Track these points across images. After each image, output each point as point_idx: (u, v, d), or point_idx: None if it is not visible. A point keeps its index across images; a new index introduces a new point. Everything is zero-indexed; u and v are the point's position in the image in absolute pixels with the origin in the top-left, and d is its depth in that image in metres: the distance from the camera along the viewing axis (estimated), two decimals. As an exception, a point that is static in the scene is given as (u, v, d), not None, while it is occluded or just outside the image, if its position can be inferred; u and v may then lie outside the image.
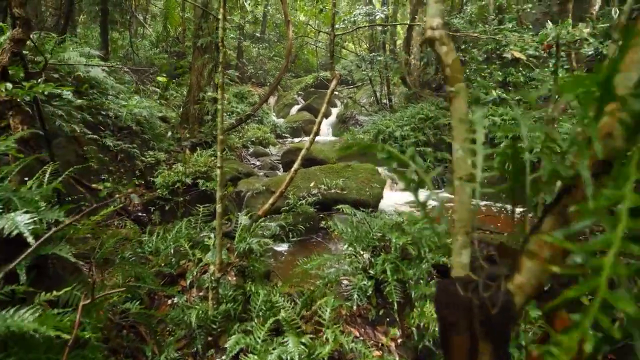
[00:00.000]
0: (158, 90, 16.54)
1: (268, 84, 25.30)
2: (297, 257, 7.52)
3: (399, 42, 24.19)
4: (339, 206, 3.98)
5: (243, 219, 6.03)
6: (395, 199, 10.58)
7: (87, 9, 18.23)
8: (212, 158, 8.95)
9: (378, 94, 18.34)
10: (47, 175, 3.02)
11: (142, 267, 3.81)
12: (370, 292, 3.34)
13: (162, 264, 3.98)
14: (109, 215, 7.43)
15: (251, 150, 14.00)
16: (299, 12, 24.83)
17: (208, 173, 8.17)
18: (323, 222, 8.57)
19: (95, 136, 7.79)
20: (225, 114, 13.89)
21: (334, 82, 6.17)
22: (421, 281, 3.44)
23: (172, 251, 4.16)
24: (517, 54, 4.74)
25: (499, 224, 7.76)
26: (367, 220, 3.67)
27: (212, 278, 3.43)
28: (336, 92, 24.16)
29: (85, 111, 8.09)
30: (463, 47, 15.46)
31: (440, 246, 3.58)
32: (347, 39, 22.76)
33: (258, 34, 28.52)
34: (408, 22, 20.77)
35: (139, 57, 17.13)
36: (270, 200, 5.85)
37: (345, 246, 3.69)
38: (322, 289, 3.59)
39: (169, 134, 10.00)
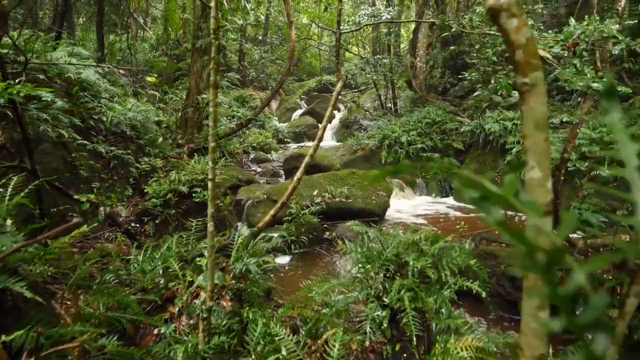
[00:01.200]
0: (157, 94, 16.15)
1: (270, 87, 24.88)
2: (300, 271, 7.07)
3: (403, 45, 23.79)
4: (348, 224, 3.50)
5: (241, 233, 5.59)
6: (402, 207, 10.12)
7: (83, 9, 17.83)
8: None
9: (382, 98, 17.89)
10: (9, 189, 2.56)
11: (126, 291, 3.35)
12: (385, 325, 2.89)
13: (149, 287, 3.53)
14: (98, 227, 7.03)
15: (252, 156, 13.55)
16: (302, 13, 24.43)
17: (206, 181, 7.71)
18: (327, 233, 8.13)
19: (85, 142, 7.35)
20: (225, 118, 13.45)
21: (339, 84, 5.73)
22: (443, 311, 2.98)
23: (160, 272, 3.70)
24: (542, 52, 4.29)
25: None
26: (380, 238, 3.22)
27: (203, 307, 2.97)
28: (339, 96, 23.68)
29: (76, 115, 7.66)
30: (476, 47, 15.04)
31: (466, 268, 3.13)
32: (350, 41, 22.34)
33: (260, 37, 28.16)
34: (414, 22, 20.36)
35: (137, 59, 16.71)
36: (271, 212, 5.40)
37: (355, 269, 3.23)
38: (328, 318, 3.13)
39: (160, 139, 9.55)
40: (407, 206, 10.30)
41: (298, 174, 5.52)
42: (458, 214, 9.74)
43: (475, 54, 15.00)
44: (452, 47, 16.72)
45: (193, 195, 7.56)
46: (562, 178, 5.69)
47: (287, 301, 5.27)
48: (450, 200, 11.16)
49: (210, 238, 2.94)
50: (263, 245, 4.85)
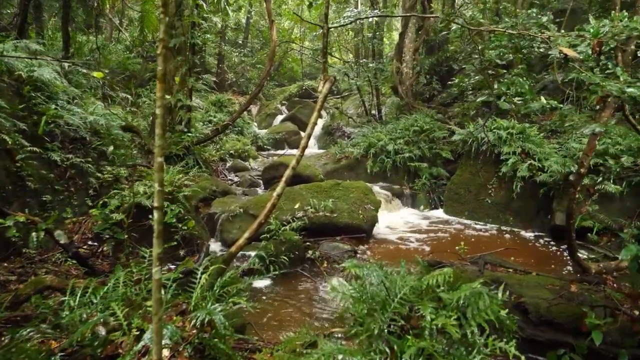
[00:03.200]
0: (129, 97, 15.19)
1: (250, 92, 24.04)
2: (279, 297, 6.25)
3: (387, 51, 23.20)
4: (346, 264, 2.69)
5: (212, 255, 4.77)
6: (391, 222, 9.39)
7: (49, 6, 16.79)
8: (181, 175, 7.66)
9: (367, 105, 17.22)
10: None
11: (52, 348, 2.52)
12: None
13: (85, 342, 2.70)
14: (45, 249, 6.12)
15: (229, 164, 12.70)
16: (284, 16, 23.68)
17: (174, 194, 6.86)
18: (310, 252, 7.35)
19: (36, 149, 6.44)
20: (201, 123, 12.58)
21: (326, 86, 4.98)
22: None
23: (102, 319, 2.88)
24: (568, 51, 3.61)
25: (522, 260, 6.59)
26: (386, 283, 2.46)
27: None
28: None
29: (27, 119, 6.76)
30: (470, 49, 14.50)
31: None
32: (333, 46, 21.66)
33: (240, 41, 27.30)
34: (399, 28, 19.79)
35: (108, 61, 15.70)
36: (245, 235, 4.60)
37: (353, 330, 2.45)
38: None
39: (127, 146, 8.67)
40: (396, 220, 9.58)
41: (278, 189, 4.73)
42: (451, 228, 9.06)
43: (466, 58, 14.46)
44: (439, 53, 16.19)
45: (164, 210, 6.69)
46: (577, 196, 5.02)
47: (265, 341, 4.47)
48: (440, 213, 10.48)
49: (157, 289, 2.13)
50: (236, 270, 4.05)
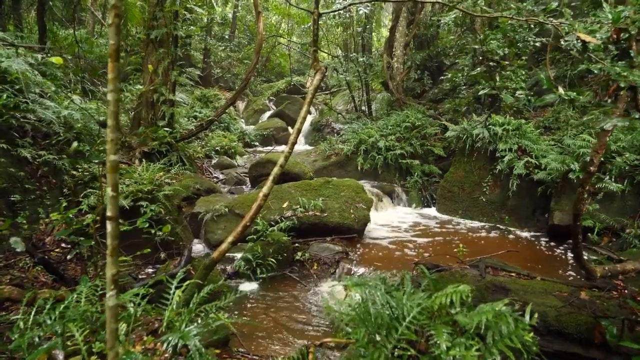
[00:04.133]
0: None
1: (236, 88, 23.54)
2: (266, 302, 5.86)
3: (375, 48, 22.78)
4: (347, 284, 2.28)
5: (195, 257, 4.40)
6: (382, 221, 9.04)
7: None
8: (162, 173, 7.23)
9: (357, 100, 16.84)
10: None
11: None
12: None
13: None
14: (12, 254, 5.66)
15: (215, 161, 12.25)
16: (271, 10, 23.16)
17: (154, 193, 6.43)
18: (299, 254, 6.96)
19: (3, 145, 5.97)
20: (186, 119, 12.11)
21: (317, 77, 4.60)
22: None
23: (60, 341, 2.47)
24: (587, 37, 3.27)
25: (522, 262, 6.26)
26: (391, 303, 2.08)
27: None
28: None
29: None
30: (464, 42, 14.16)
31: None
32: (321, 41, 21.21)
33: (227, 36, 26.73)
34: (389, 24, 19.42)
35: (85, 52, 15.03)
36: (229, 239, 4.20)
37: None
38: None
39: (83, 147, 8.20)
40: (388, 219, 9.23)
41: (265, 189, 4.34)
42: (445, 227, 8.73)
43: (460, 52, 14.10)
44: (430, 48, 15.84)
45: (139, 208, 6.26)
46: (585, 196, 4.69)
47: (251, 354, 4.09)
48: (433, 211, 10.16)
49: (112, 318, 1.73)
50: (215, 286, 3.66)
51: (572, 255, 6.80)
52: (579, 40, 3.33)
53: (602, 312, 3.98)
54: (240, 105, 22.89)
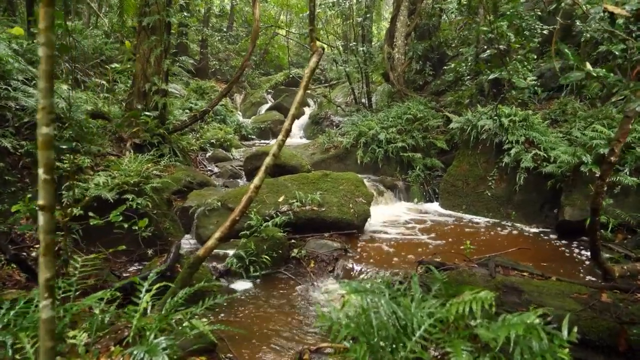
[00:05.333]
0: (105, 83, 14.22)
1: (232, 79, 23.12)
2: (259, 303, 5.49)
3: (375, 41, 22.29)
4: (345, 289, 1.89)
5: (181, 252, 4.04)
6: (383, 216, 8.67)
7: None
8: (150, 165, 6.84)
9: (356, 92, 16.43)
10: None
11: None
12: None
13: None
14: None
15: (210, 153, 11.86)
16: (270, 1, 22.68)
17: (141, 186, 6.05)
18: (295, 250, 6.59)
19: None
20: (181, 110, 11.71)
21: (314, 59, 4.21)
22: None
23: (10, 354, 2.10)
24: (615, 9, 2.89)
25: (532, 260, 5.88)
26: (399, 313, 1.71)
27: None
28: (308, 91, 22.20)
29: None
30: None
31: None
32: (320, 31, 20.79)
33: (224, 29, 26.24)
34: (385, 9, 18.94)
35: (79, 43, 14.58)
36: (216, 235, 3.82)
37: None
38: None
39: (95, 133, 7.83)
40: (389, 214, 8.86)
41: (256, 181, 3.96)
42: (449, 223, 8.36)
43: (467, 36, 13.66)
44: (432, 39, 15.42)
45: (127, 203, 5.87)
46: (605, 189, 4.31)
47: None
48: (435, 206, 9.79)
49: (47, 334, 1.35)
50: (190, 288, 3.29)
51: (585, 252, 6.43)
52: (605, 13, 2.94)
53: (627, 316, 3.61)
54: (238, 98, 22.49)
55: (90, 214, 4.85)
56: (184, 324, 2.41)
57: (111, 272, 5.32)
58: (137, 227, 5.02)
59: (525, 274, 4.71)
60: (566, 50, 2.69)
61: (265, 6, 24.59)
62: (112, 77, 14.55)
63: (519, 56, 5.14)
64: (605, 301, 3.87)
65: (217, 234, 3.84)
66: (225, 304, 5.42)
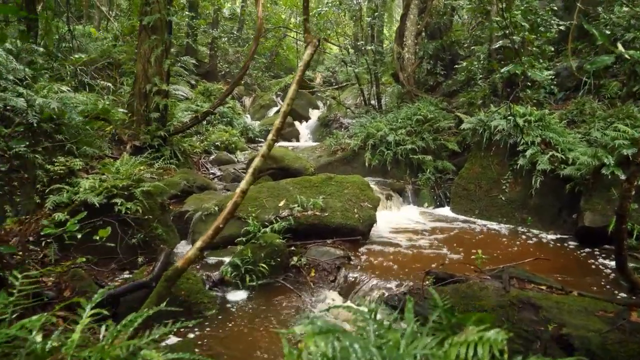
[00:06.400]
0: (111, 86, 14.00)
1: (244, 82, 22.88)
2: (255, 315, 5.10)
3: (386, 44, 21.83)
4: (303, 329, 1.53)
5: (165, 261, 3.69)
6: (391, 221, 8.26)
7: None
8: (143, 167, 6.51)
9: (366, 94, 16.04)
10: None
11: None
12: None
13: None
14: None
15: (213, 156, 11.54)
16: (280, 4, 22.37)
17: (130, 189, 5.71)
18: (295, 258, 6.20)
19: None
20: (186, 112, 11.42)
21: (309, 51, 3.83)
22: None
23: None
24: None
25: (549, 271, 5.44)
26: (389, 339, 1.32)
27: None
28: (318, 93, 21.85)
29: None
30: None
31: None
32: (331, 36, 20.45)
33: (235, 31, 26.04)
34: (397, 12, 18.52)
35: (82, 47, 14.35)
36: (198, 244, 3.46)
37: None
38: None
39: (91, 135, 7.54)
40: (397, 219, 8.45)
41: (243, 184, 3.60)
42: (460, 229, 7.91)
43: (472, 45, 13.19)
44: (443, 38, 14.97)
45: (118, 208, 5.53)
46: (632, 193, 3.85)
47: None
48: (446, 211, 9.35)
49: None
50: (144, 311, 2.92)
51: (609, 262, 5.95)
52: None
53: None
54: (247, 100, 22.25)
55: (70, 220, 4.51)
56: (141, 354, 2.03)
57: (96, 282, 4.99)
58: (97, 238, 4.64)
59: (543, 287, 4.27)
60: (594, 30, 2.28)
61: (276, 9, 24.35)
62: (119, 80, 14.37)
63: (535, 48, 4.73)
64: (636, 321, 3.42)
65: (198, 243, 3.47)
66: (217, 315, 5.09)
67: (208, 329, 4.69)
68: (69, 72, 12.32)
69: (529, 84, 10.16)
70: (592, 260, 6.20)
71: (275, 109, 20.13)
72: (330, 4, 15.36)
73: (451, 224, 8.26)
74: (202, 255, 3.59)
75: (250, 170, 3.68)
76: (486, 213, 8.55)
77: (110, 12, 22.87)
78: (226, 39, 21.72)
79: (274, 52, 23.50)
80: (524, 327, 3.82)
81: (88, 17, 21.68)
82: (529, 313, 3.85)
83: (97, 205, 5.29)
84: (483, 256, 4.81)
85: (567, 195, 7.42)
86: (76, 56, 8.39)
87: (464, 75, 12.77)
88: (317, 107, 20.10)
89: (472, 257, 5.29)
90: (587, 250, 6.59)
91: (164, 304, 2.75)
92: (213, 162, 11.14)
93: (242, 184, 3.63)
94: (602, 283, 5.37)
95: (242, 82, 23.33)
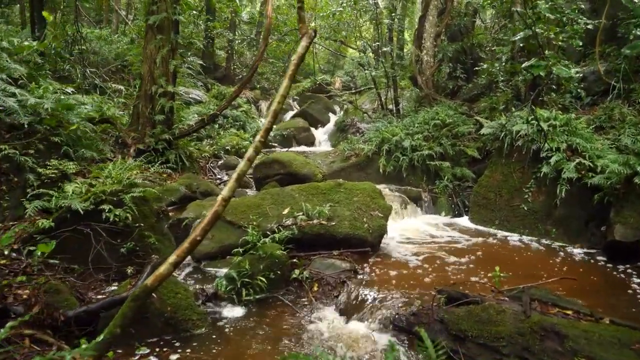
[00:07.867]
0: (122, 88, 13.81)
1: (260, 87, 22.64)
2: (252, 336, 4.66)
3: (407, 48, 21.31)
4: None
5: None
6: (406, 231, 7.77)
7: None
8: (136, 171, 6.16)
9: (383, 98, 15.55)
10: None
11: None
12: None
13: None
14: None
15: (222, 160, 11.18)
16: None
17: (120, 195, 5.34)
18: (297, 271, 5.74)
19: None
20: (197, 116, 11.11)
21: (303, 42, 3.41)
22: None
23: None
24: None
25: (590, 298, 4.88)
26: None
27: None
28: (336, 98, 21.43)
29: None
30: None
31: None
32: (349, 39, 20.04)
33: (253, 36, 25.85)
34: (418, 16, 18.02)
35: (88, 46, 14.00)
36: (171, 259, 3.04)
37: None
38: None
39: (92, 137, 7.24)
40: (411, 230, 7.94)
41: (225, 192, 3.18)
42: (479, 241, 7.35)
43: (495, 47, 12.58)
44: (464, 40, 14.39)
45: (105, 215, 5.17)
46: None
47: None
48: (464, 221, 8.80)
49: None
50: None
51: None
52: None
53: None
54: (264, 105, 21.98)
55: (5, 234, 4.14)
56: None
57: (77, 295, 4.61)
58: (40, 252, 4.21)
59: (569, 312, 3.73)
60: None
61: (293, 12, 23.99)
62: (133, 83, 14.16)
63: (561, 42, 4.23)
64: (682, 359, 2.88)
65: (172, 258, 3.06)
66: (210, 334, 4.66)
67: (194, 349, 4.26)
68: (79, 74, 12.15)
69: (553, 87, 9.57)
70: (624, 279, 5.59)
71: (291, 113, 19.82)
72: (344, 4, 14.94)
73: (469, 236, 7.71)
74: (174, 270, 3.16)
75: (235, 175, 3.26)
76: (507, 224, 7.98)
77: (129, 16, 22.93)
78: (240, 41, 21.46)
79: (291, 56, 23.16)
80: (546, 358, 3.31)
81: (107, 21, 21.74)
82: (553, 343, 3.34)
83: (81, 211, 4.92)
84: (501, 274, 4.28)
85: (596, 206, 6.81)
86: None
87: (485, 79, 12.17)
88: (334, 112, 19.71)
89: (489, 274, 4.76)
90: (618, 267, 5.98)
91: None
92: (222, 166, 10.78)
93: (224, 191, 3.21)
94: (638, 305, 4.78)
95: (259, 86, 23.11)
